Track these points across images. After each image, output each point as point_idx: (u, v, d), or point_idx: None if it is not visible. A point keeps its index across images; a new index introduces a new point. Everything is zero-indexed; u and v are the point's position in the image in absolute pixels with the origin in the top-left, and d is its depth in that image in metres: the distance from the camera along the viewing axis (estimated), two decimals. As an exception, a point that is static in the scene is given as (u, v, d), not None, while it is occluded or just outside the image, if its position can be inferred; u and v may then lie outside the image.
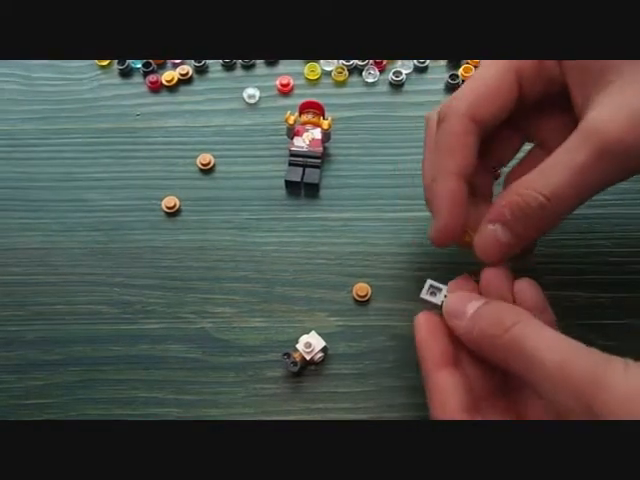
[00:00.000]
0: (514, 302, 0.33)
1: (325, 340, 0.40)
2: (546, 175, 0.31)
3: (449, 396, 0.32)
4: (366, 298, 0.42)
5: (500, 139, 0.37)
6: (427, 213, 0.44)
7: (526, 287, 0.34)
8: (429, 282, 0.35)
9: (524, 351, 0.28)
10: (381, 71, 0.49)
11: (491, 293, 0.34)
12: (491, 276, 0.34)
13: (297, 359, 0.40)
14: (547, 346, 0.28)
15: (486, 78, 0.34)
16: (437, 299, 0.34)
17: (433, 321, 0.34)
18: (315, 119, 0.45)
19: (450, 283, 0.35)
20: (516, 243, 0.33)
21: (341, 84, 0.49)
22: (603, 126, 0.29)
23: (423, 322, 0.34)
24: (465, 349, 0.33)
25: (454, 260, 0.42)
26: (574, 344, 0.28)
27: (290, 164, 0.45)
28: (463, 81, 0.48)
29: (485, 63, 0.35)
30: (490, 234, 0.33)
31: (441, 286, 0.34)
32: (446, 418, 0.31)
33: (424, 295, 0.34)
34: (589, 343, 0.40)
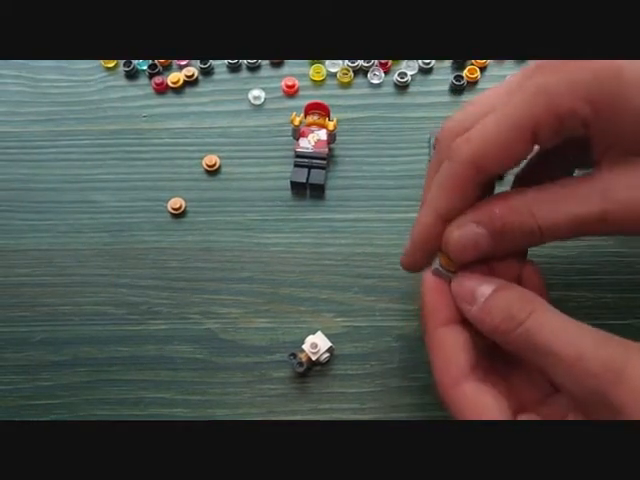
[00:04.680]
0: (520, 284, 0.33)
1: (331, 341, 0.40)
2: (548, 208, 0.30)
3: (454, 355, 0.31)
4: None
5: None
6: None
7: (532, 273, 0.33)
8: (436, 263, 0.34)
9: (539, 345, 0.28)
10: (386, 72, 0.49)
11: (500, 274, 0.33)
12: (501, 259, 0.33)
13: (303, 359, 0.40)
14: (562, 339, 0.28)
15: (500, 130, 0.31)
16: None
17: (441, 281, 0.33)
18: (320, 120, 0.46)
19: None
20: (492, 251, 0.32)
21: (346, 85, 0.49)
22: (617, 194, 0.29)
23: (431, 279, 0.33)
24: None
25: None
26: (590, 334, 0.28)
27: (295, 165, 0.45)
28: (468, 82, 0.48)
29: (502, 110, 0.31)
30: (471, 235, 0.32)
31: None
32: (449, 380, 0.31)
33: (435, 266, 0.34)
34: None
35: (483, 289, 0.31)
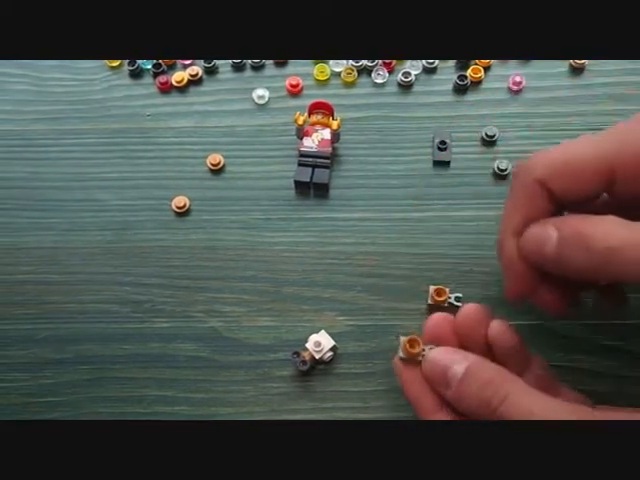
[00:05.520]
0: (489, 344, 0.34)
1: (334, 339, 0.40)
2: (623, 234, 0.29)
3: None
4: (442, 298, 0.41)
5: None
6: (436, 213, 0.44)
7: (499, 331, 0.34)
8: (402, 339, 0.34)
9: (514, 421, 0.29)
10: (390, 72, 0.49)
11: (466, 336, 0.34)
12: (467, 316, 0.34)
13: (307, 358, 0.40)
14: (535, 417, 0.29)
15: (577, 152, 0.31)
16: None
17: (415, 369, 0.34)
18: (324, 120, 0.46)
19: (428, 322, 0.35)
20: (553, 265, 0.31)
21: (350, 85, 0.49)
22: None
23: (406, 371, 0.34)
24: None
25: (463, 261, 0.42)
26: (560, 409, 0.29)
27: (299, 164, 0.45)
28: (472, 82, 0.48)
29: (583, 137, 0.32)
30: (543, 234, 0.31)
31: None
32: None
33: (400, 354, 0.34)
34: (598, 343, 0.40)
35: (454, 370, 0.32)
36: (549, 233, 0.31)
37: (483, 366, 0.31)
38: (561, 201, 0.32)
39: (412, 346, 0.33)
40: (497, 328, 0.34)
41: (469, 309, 0.34)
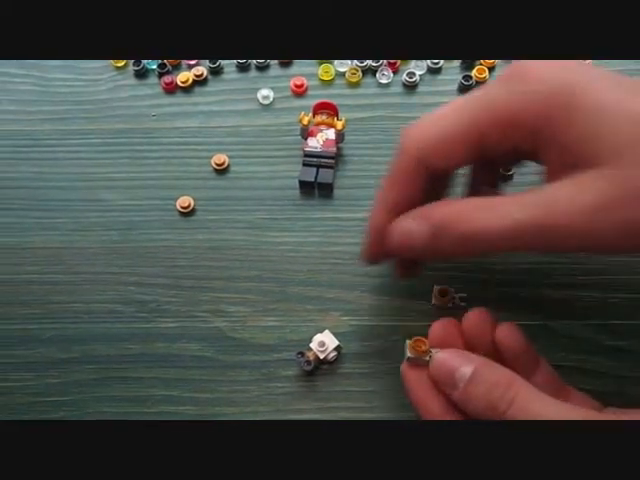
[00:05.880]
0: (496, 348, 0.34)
1: (339, 339, 0.40)
2: (487, 215, 0.30)
3: None
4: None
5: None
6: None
7: (507, 334, 0.34)
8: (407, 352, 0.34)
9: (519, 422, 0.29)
10: (394, 72, 0.49)
11: (473, 339, 0.34)
12: (473, 320, 0.34)
13: (311, 358, 0.40)
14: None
15: (446, 131, 0.32)
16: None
17: (421, 372, 0.34)
18: (329, 120, 0.46)
19: (433, 327, 0.35)
20: (428, 253, 0.33)
21: (355, 85, 0.49)
22: (558, 205, 0.28)
23: (411, 375, 0.34)
24: None
25: (465, 261, 0.42)
26: (569, 413, 0.29)
27: (304, 164, 0.45)
28: (477, 82, 0.48)
29: (452, 105, 0.33)
30: (407, 228, 0.33)
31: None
32: None
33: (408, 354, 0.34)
34: (600, 343, 0.40)
35: (462, 372, 0.31)
36: (417, 227, 0.32)
37: (491, 368, 0.31)
38: (436, 174, 0.33)
39: (419, 345, 0.33)
40: (505, 330, 0.34)
41: (476, 313, 0.34)
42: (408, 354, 0.34)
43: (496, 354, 0.34)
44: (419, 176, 0.33)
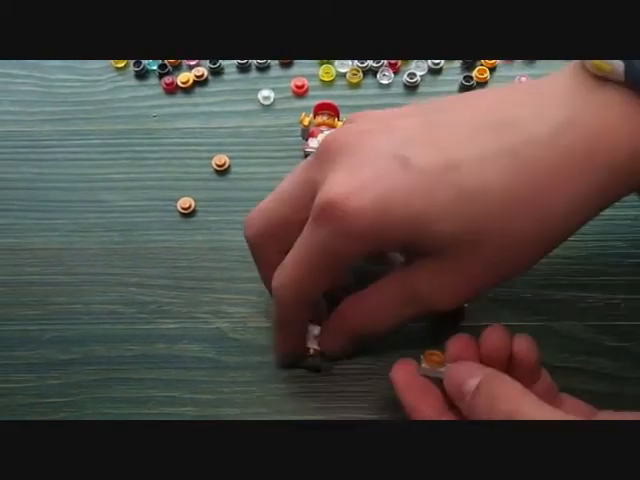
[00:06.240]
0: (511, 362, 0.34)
1: (341, 340, 0.40)
2: (361, 314, 0.37)
3: None
4: None
5: None
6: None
7: (524, 347, 0.34)
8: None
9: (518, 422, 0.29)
10: (395, 73, 0.49)
11: (491, 355, 0.34)
12: (493, 339, 0.34)
13: (313, 353, 0.39)
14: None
15: (305, 273, 0.34)
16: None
17: (413, 378, 0.34)
18: (330, 120, 0.46)
19: (450, 344, 0.35)
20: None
21: (355, 86, 0.49)
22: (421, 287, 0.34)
23: (400, 380, 0.34)
24: None
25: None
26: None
27: (305, 165, 0.45)
28: (477, 83, 0.48)
29: (300, 253, 0.34)
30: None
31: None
32: None
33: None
34: (602, 345, 0.40)
35: (469, 384, 0.32)
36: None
37: (496, 379, 0.31)
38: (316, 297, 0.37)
39: (434, 357, 0.34)
40: (523, 344, 0.34)
41: (495, 330, 0.34)
42: (423, 364, 0.34)
43: (507, 363, 0.34)
44: (304, 309, 0.36)
